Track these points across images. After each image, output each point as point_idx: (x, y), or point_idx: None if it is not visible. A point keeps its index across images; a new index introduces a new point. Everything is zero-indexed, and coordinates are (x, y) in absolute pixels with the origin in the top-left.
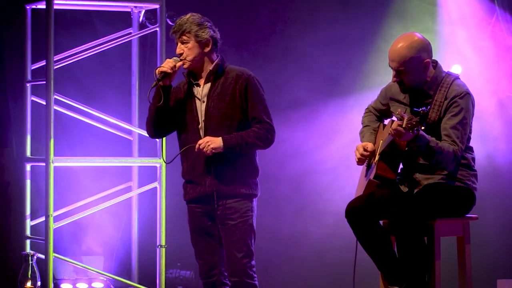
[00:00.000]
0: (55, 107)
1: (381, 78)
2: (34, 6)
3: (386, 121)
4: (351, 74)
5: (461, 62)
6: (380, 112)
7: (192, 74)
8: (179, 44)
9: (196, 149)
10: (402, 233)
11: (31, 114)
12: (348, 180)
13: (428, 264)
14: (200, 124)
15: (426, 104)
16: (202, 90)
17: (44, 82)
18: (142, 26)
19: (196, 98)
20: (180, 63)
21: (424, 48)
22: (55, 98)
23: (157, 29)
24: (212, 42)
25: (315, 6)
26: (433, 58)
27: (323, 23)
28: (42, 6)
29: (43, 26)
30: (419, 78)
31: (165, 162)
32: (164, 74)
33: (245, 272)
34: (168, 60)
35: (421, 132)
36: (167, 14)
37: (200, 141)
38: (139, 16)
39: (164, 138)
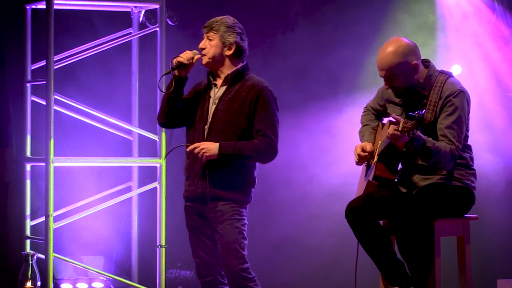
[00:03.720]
0: (55, 107)
1: (378, 78)
2: (34, 6)
3: (385, 120)
4: (350, 75)
5: (461, 62)
6: (377, 112)
7: (212, 74)
8: (204, 39)
9: (187, 149)
10: (402, 233)
11: (31, 114)
12: (348, 180)
13: (428, 264)
14: (207, 125)
15: (422, 106)
16: (217, 91)
17: (44, 82)
18: (142, 26)
19: (210, 98)
20: (198, 56)
21: (411, 51)
22: (55, 98)
23: (157, 29)
24: (235, 47)
25: (313, 6)
26: (429, 58)
27: (323, 23)
28: (42, 6)
29: (43, 26)
30: (410, 81)
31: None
32: (180, 64)
33: (237, 275)
34: (187, 51)
35: (418, 133)
36: (167, 14)
37: (196, 145)
38: (139, 16)
39: (164, 137)
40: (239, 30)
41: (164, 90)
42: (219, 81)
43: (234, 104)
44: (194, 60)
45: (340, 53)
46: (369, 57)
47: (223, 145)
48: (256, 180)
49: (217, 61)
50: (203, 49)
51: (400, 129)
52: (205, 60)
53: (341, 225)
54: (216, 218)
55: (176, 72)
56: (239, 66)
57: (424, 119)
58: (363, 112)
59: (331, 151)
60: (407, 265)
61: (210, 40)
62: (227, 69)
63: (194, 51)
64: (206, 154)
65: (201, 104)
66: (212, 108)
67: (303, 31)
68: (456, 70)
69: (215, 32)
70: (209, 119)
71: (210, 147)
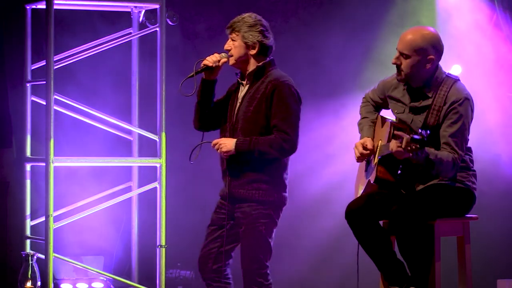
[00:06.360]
0: (55, 107)
1: (376, 78)
2: (34, 6)
3: (382, 112)
4: (350, 75)
5: (461, 62)
6: (377, 104)
7: (241, 74)
8: (229, 40)
9: (212, 145)
10: (402, 233)
11: (31, 114)
12: (348, 180)
13: (427, 263)
14: (231, 124)
15: (424, 108)
16: (242, 91)
17: (44, 82)
18: (142, 26)
19: (237, 98)
20: (225, 59)
21: (435, 45)
22: (55, 98)
23: (157, 29)
24: (259, 46)
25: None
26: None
27: (322, 22)
28: (42, 6)
29: (43, 26)
30: (417, 72)
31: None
32: (205, 67)
33: (252, 278)
34: (215, 54)
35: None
36: (167, 14)
37: (215, 141)
38: (139, 16)
39: (164, 137)
40: (261, 28)
41: (183, 93)
42: (245, 80)
43: (253, 102)
44: (220, 63)
45: (337, 52)
46: (368, 56)
47: (239, 141)
48: (286, 182)
49: (243, 62)
50: (229, 50)
51: (403, 147)
52: (231, 61)
53: (341, 226)
54: (240, 218)
55: (204, 75)
56: (260, 63)
57: (427, 123)
58: (362, 102)
59: (332, 149)
60: (407, 265)
61: (234, 41)
62: (251, 68)
63: (222, 54)
64: (223, 150)
65: (229, 104)
66: (237, 107)
67: (301, 30)
68: (456, 70)
69: (237, 33)
70: (234, 119)
71: (227, 143)
